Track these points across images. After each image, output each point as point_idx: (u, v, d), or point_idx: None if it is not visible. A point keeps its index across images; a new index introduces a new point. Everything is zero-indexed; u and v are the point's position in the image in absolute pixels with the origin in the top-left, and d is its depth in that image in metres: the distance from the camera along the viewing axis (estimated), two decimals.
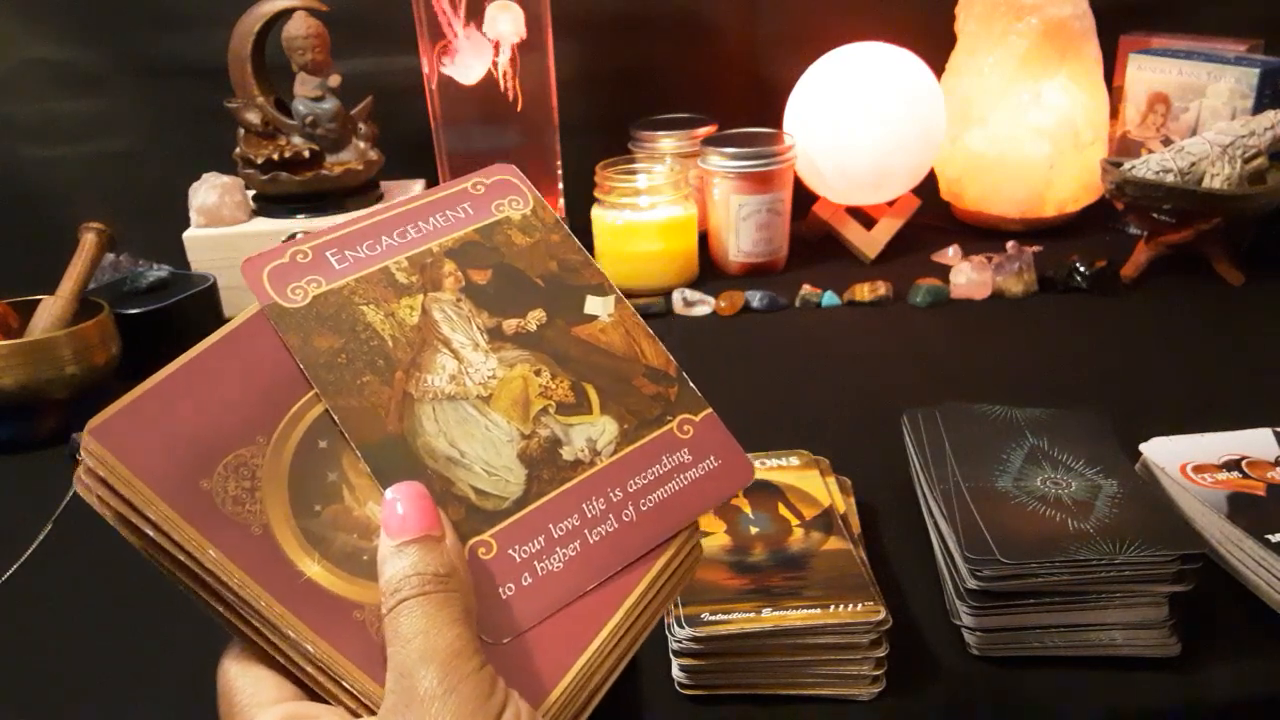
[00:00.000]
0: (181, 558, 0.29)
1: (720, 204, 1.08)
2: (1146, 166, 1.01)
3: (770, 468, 0.63)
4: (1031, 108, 1.12)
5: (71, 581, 0.63)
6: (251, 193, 1.09)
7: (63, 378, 0.79)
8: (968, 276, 1.01)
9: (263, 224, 1.06)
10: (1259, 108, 1.05)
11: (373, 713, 0.29)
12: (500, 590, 0.32)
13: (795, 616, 0.49)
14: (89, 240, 0.88)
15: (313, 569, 0.30)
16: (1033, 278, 1.01)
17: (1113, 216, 1.18)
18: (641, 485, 0.35)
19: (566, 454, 0.35)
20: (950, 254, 1.09)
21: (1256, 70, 1.05)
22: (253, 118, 1.07)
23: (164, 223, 1.06)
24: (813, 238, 1.18)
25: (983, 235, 1.15)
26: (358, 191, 1.09)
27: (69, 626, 0.59)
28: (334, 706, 0.30)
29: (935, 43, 1.18)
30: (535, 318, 0.37)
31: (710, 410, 0.37)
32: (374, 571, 0.30)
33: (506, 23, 1.05)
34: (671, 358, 0.38)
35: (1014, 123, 1.13)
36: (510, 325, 0.36)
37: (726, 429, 0.37)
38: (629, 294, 1.03)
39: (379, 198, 1.12)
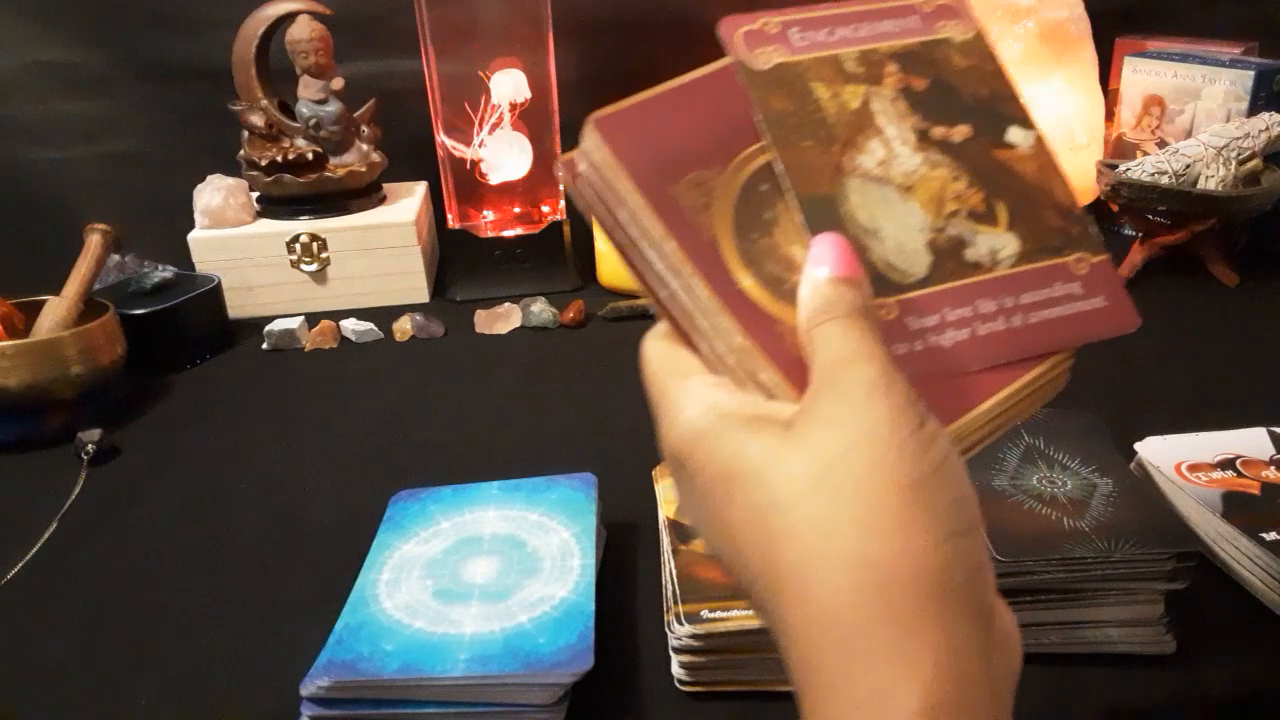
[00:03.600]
0: (644, 244, 0.35)
1: None
2: (1142, 169, 1.01)
3: None
4: None
5: (76, 580, 0.64)
6: (255, 194, 1.10)
7: (68, 378, 0.80)
8: None
9: (267, 225, 1.07)
10: (1254, 110, 1.06)
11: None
12: (893, 347, 0.35)
13: None
14: (94, 241, 0.89)
15: (746, 282, 0.35)
16: None
17: (1108, 218, 1.18)
18: (1031, 301, 0.37)
19: (969, 255, 0.37)
20: None
21: (1251, 73, 1.06)
22: (257, 120, 1.07)
23: (169, 224, 1.07)
24: None
25: None
26: (361, 193, 1.10)
27: (73, 624, 0.59)
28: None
29: None
30: (961, 132, 0.39)
31: (1108, 256, 0.39)
32: (794, 299, 0.34)
33: (508, 85, 1.07)
34: (1079, 202, 0.40)
35: None
36: (938, 132, 0.39)
37: (1121, 278, 0.39)
38: (628, 294, 1.05)
39: (382, 200, 1.12)
